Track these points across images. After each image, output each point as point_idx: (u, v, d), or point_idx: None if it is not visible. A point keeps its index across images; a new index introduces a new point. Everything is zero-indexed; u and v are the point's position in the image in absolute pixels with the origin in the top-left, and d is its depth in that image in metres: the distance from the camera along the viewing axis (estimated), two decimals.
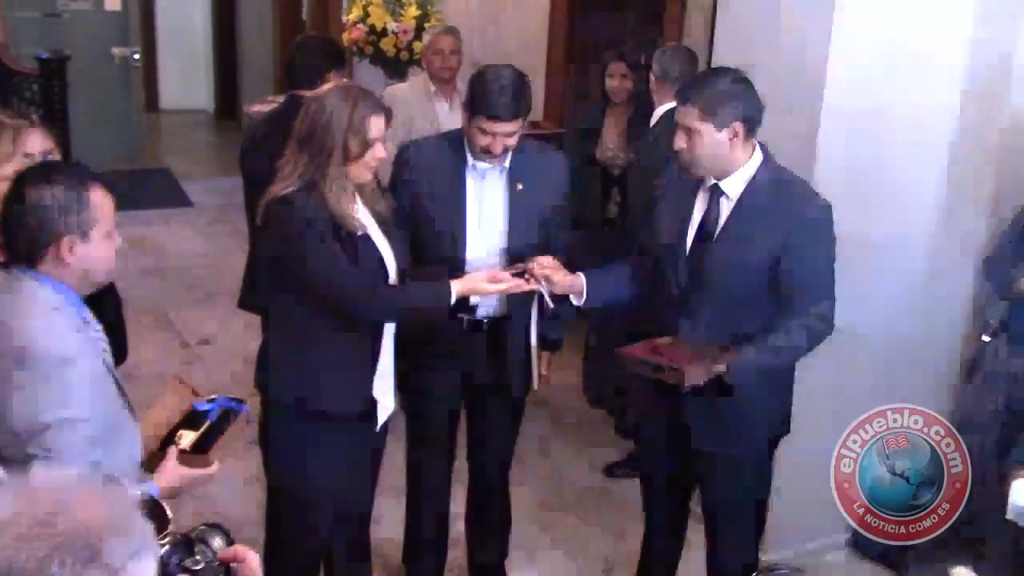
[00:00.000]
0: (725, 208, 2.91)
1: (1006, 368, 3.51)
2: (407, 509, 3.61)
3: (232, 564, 1.36)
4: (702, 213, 2.94)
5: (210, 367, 5.31)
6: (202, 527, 1.40)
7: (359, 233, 2.86)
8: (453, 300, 2.94)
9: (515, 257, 3.13)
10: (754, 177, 2.89)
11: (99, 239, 2.21)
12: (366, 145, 2.80)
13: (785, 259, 2.85)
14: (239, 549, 1.36)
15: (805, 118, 3.41)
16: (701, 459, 3.08)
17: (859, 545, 3.89)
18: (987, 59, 3.51)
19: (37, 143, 2.85)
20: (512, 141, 3.10)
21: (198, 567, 1.34)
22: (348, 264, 2.83)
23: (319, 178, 2.80)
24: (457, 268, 3.11)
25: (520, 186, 3.19)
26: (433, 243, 3.19)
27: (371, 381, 2.98)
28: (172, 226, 7.75)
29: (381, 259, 2.94)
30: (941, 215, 3.69)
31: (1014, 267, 3.53)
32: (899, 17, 3.37)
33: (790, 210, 2.86)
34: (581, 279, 3.07)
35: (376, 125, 2.82)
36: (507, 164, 3.18)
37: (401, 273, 3.00)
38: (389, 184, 3.23)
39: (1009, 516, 2.33)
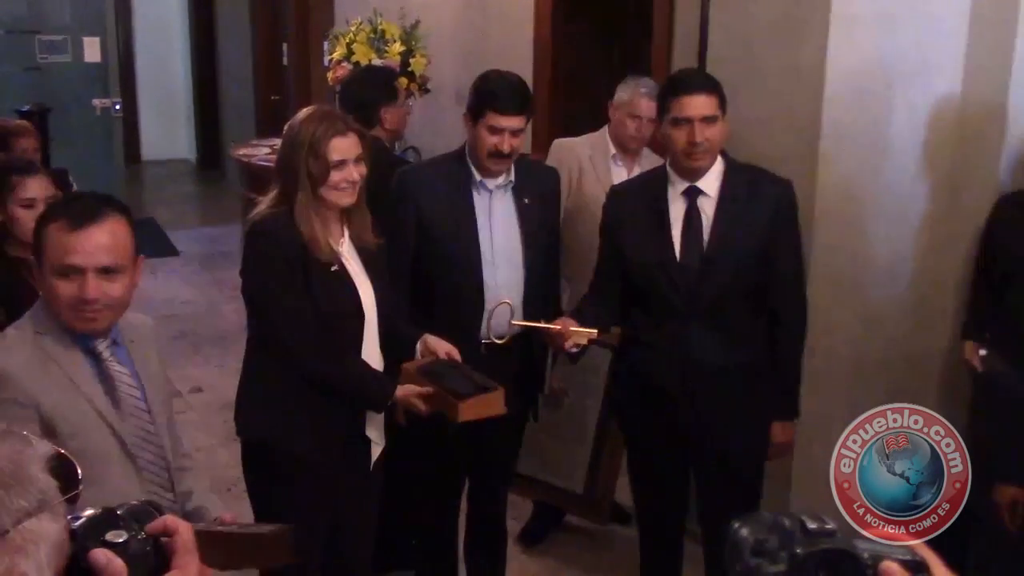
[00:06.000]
0: (707, 206, 2.92)
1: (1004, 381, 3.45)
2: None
3: (162, 538, 1.15)
4: (682, 217, 2.93)
5: (203, 415, 5.21)
6: (131, 504, 1.19)
7: (333, 268, 2.73)
8: (388, 402, 2.80)
9: (530, 297, 3.12)
10: (725, 171, 2.94)
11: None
12: (327, 167, 2.68)
13: (772, 244, 2.91)
14: (169, 520, 1.16)
15: (805, 136, 3.38)
16: (703, 456, 3.07)
17: None
18: (985, 69, 3.46)
19: (38, 189, 3.19)
20: (519, 141, 3.07)
21: (120, 539, 1.10)
22: (307, 304, 2.68)
23: (293, 203, 2.69)
24: (477, 289, 3.08)
25: (527, 200, 3.16)
26: (449, 267, 3.11)
27: (346, 420, 2.84)
28: (159, 275, 7.67)
29: (356, 296, 2.79)
30: (941, 227, 3.64)
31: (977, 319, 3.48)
32: (895, 29, 3.35)
33: (770, 193, 2.95)
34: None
35: (338, 147, 2.69)
36: (512, 178, 3.14)
37: (383, 316, 2.86)
38: (391, 212, 3.12)
39: None
